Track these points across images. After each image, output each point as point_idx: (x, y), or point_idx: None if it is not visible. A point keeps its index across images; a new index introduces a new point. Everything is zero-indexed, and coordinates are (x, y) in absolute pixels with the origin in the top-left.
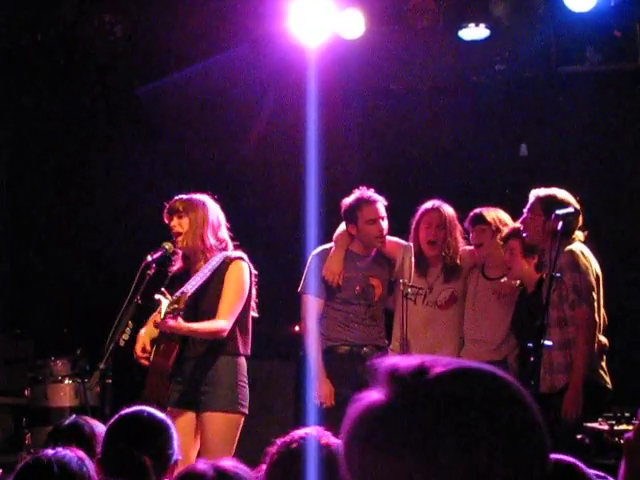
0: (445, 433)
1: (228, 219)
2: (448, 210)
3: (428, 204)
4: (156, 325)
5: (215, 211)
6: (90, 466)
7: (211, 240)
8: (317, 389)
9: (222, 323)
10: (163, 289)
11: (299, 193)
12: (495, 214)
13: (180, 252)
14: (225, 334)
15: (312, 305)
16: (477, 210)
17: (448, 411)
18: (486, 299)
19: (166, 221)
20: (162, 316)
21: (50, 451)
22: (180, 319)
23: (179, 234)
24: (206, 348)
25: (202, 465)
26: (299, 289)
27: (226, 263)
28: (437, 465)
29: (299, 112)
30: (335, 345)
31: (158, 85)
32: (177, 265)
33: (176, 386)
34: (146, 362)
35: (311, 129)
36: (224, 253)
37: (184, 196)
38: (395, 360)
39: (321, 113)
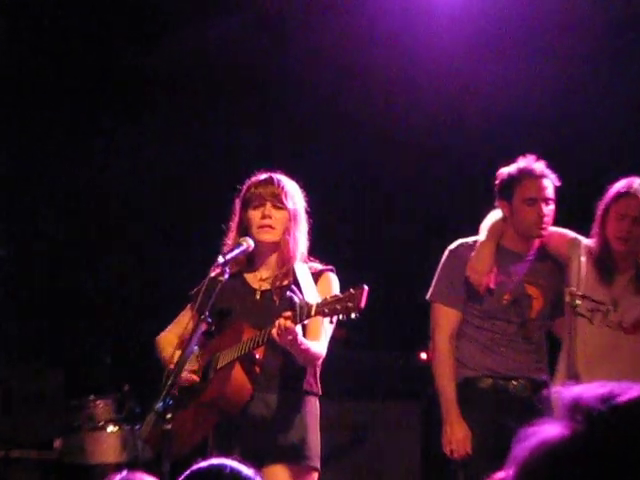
0: None
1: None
2: None
3: (622, 185)
4: (282, 330)
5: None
6: None
7: (302, 246)
8: (447, 433)
9: (321, 347)
10: (293, 286)
11: (421, 171)
12: None
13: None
14: (319, 362)
15: (445, 318)
16: None
17: None
18: None
19: (247, 206)
20: (297, 319)
21: None
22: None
23: (271, 228)
24: (278, 382)
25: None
26: (428, 296)
27: (314, 275)
28: None
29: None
30: (474, 376)
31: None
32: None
33: (237, 432)
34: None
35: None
36: (306, 263)
37: (282, 178)
38: (578, 388)
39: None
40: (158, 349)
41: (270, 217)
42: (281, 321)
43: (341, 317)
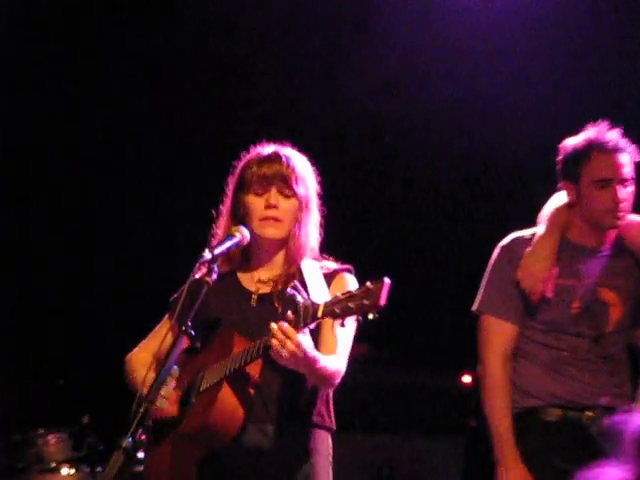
0: None
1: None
2: None
3: None
4: (281, 337)
5: None
6: None
7: (313, 240)
8: (501, 478)
9: (339, 363)
10: (296, 282)
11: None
12: None
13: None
14: (336, 382)
15: (498, 333)
16: None
17: None
18: None
19: (246, 190)
20: (301, 322)
21: None
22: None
23: (276, 221)
24: (279, 409)
25: None
26: (475, 306)
27: (327, 276)
28: None
29: None
30: (537, 406)
31: None
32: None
33: (225, 472)
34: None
35: None
36: (317, 262)
37: (291, 154)
38: None
39: None
40: (128, 370)
41: (276, 207)
42: (280, 325)
43: (355, 318)
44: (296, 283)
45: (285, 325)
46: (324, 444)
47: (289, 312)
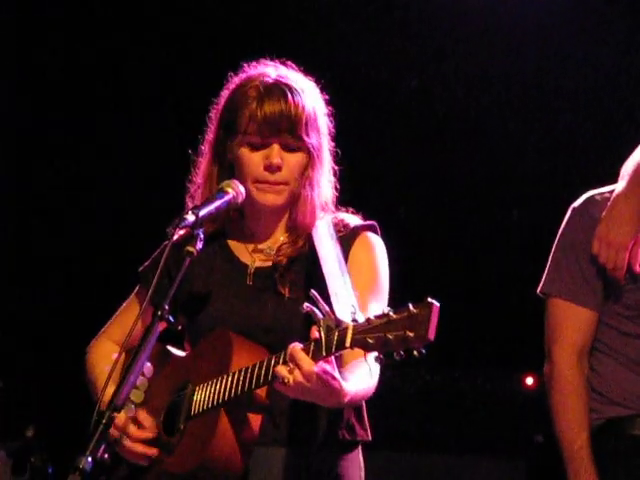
0: None
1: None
2: None
3: None
4: (308, 376)
5: None
6: None
7: (326, 192)
8: None
9: (372, 378)
10: (313, 290)
11: None
12: None
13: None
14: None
15: (570, 322)
16: None
17: None
18: None
19: (237, 135)
20: (322, 350)
21: None
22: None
23: (279, 185)
24: (290, 427)
25: None
26: (540, 287)
27: (344, 238)
28: None
29: None
30: (623, 416)
31: None
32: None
33: None
34: (142, 461)
35: None
36: (329, 216)
37: (297, 85)
38: None
39: None
40: (87, 366)
41: (279, 167)
42: (292, 349)
43: (395, 356)
44: (313, 292)
45: (298, 348)
46: (355, 465)
47: (314, 330)
